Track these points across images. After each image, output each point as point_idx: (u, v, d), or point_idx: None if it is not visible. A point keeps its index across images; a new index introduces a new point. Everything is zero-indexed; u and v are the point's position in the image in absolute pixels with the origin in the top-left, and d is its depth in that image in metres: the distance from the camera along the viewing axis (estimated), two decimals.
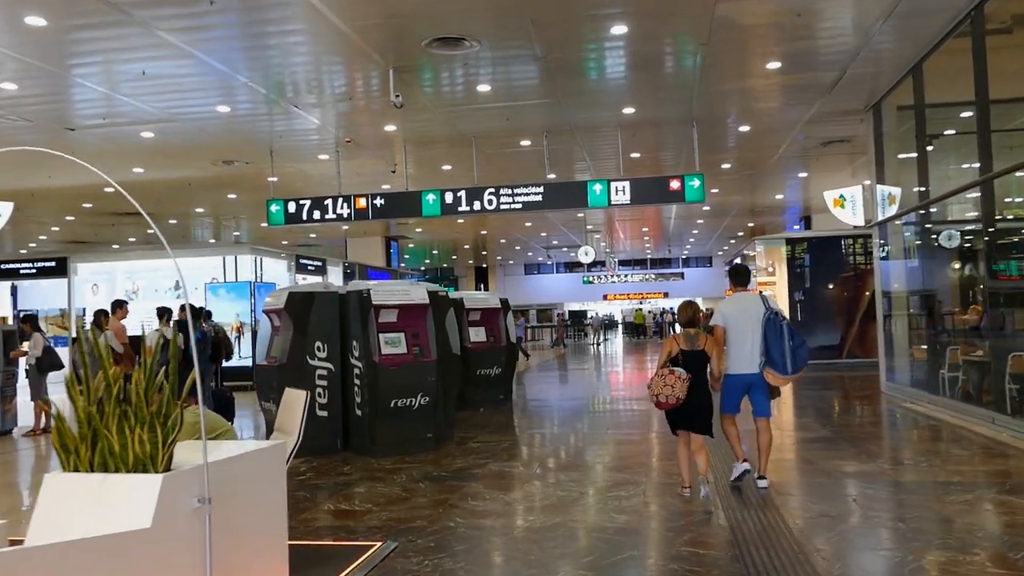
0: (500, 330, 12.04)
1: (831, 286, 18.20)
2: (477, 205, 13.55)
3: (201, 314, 10.10)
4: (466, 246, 35.43)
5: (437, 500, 6.04)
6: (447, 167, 16.09)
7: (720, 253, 43.16)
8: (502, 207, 13.49)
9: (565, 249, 36.09)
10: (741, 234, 32.38)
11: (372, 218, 14.00)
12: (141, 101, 10.80)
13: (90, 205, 18.99)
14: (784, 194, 21.64)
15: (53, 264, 17.93)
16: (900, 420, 9.69)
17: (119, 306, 9.61)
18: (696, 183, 12.89)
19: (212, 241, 26.90)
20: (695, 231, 31.51)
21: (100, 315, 9.08)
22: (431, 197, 13.71)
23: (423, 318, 8.23)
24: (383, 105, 11.28)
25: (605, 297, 48.29)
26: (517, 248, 36.99)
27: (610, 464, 7.35)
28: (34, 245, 26.30)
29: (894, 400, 11.35)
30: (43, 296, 19.34)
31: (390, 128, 12.94)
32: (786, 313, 17.98)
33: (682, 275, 46.55)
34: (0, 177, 15.23)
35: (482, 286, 46.55)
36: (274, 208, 14.32)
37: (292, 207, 14.23)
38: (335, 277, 21.36)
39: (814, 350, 17.77)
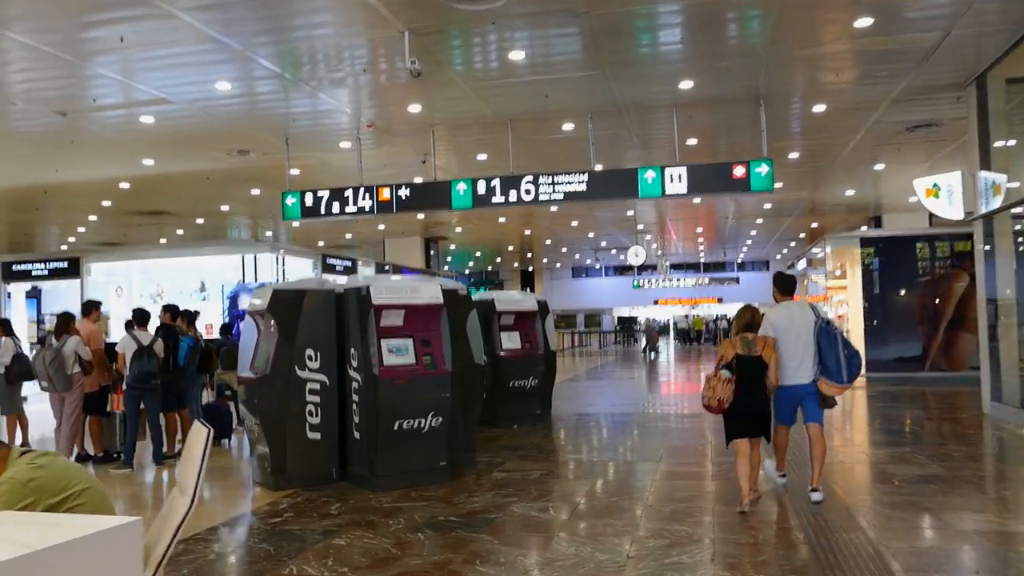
0: (537, 336, 10.55)
1: (912, 290, 16.26)
2: (513, 196, 12.08)
3: (188, 317, 8.80)
4: (510, 247, 34.01)
5: (435, 563, 4.56)
6: (482, 156, 14.66)
7: (779, 257, 40.97)
8: (541, 198, 11.99)
9: (614, 252, 34.42)
10: (803, 236, 30.31)
11: (397, 211, 12.64)
12: (134, 80, 9.59)
13: (109, 203, 18.04)
14: (856, 189, 19.70)
15: (65, 265, 16.95)
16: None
17: (92, 308, 8.38)
18: (764, 169, 11.23)
19: (237, 239, 25.75)
20: (753, 232, 29.56)
21: (64, 319, 7.85)
22: (461, 187, 12.29)
23: (435, 321, 6.78)
24: (405, 82, 9.91)
25: (656, 302, 46.35)
26: (564, 250, 35.43)
27: (666, 509, 5.78)
28: (65, 247, 25.58)
29: (1003, 425, 9.53)
30: (64, 299, 18.41)
31: (414, 109, 11.54)
32: (860, 321, 16.23)
33: (737, 280, 44.34)
34: (3, 171, 14.26)
35: (528, 289, 45.14)
36: (290, 201, 13.07)
37: (309, 199, 12.95)
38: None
39: (891, 362, 15.93)
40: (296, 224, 24.68)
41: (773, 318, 5.95)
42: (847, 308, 17.04)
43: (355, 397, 6.64)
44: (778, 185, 18.91)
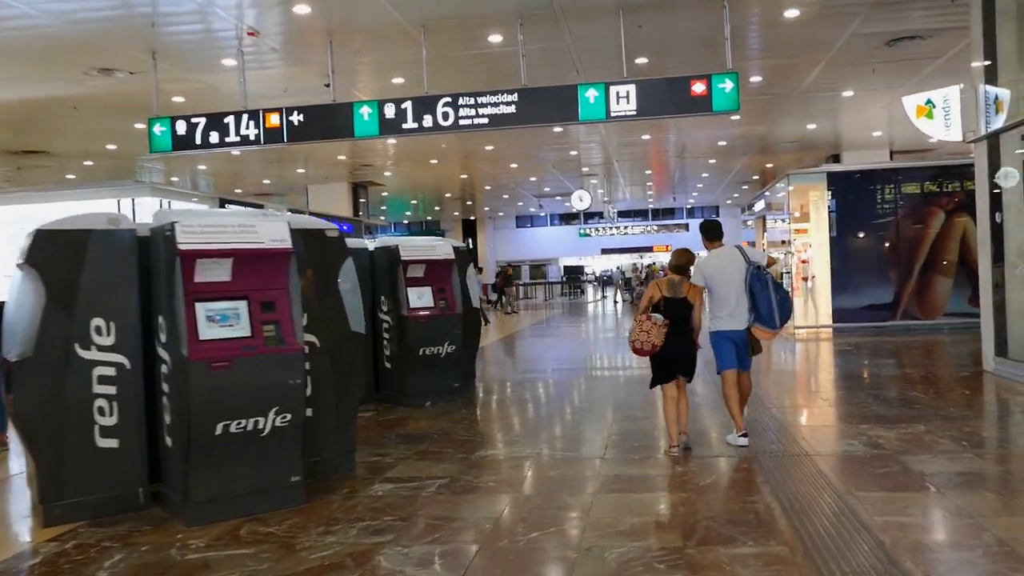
0: (454, 290, 8.53)
1: (882, 232, 14.65)
2: (428, 120, 9.95)
3: None
4: (448, 194, 31.72)
5: None
6: (398, 80, 12.42)
7: (729, 202, 39.43)
8: (462, 123, 9.89)
9: (559, 198, 32.32)
10: (756, 178, 28.67)
11: (288, 140, 10.41)
12: None
13: None
14: (818, 123, 17.96)
15: None
16: None
17: None
18: (728, 86, 9.30)
19: (112, 182, 22.83)
20: (705, 174, 27.81)
21: None
22: (366, 111, 10.11)
23: (281, 275, 4.70)
24: None
25: (603, 251, 44.64)
26: (506, 197, 33.27)
27: (611, 554, 3.88)
28: None
29: (1010, 385, 7.92)
30: None
31: (302, 10, 9.25)
32: (826, 266, 14.59)
33: (687, 226, 42.80)
34: None
35: (470, 240, 42.93)
36: (158, 129, 10.71)
37: (181, 127, 10.61)
38: None
39: (860, 310, 14.39)
40: (203, 167, 22.28)
41: (703, 266, 5.85)
42: (811, 252, 15.39)
43: (164, 387, 4.56)
44: (735, 117, 17.10)
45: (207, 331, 4.42)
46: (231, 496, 4.47)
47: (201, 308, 4.44)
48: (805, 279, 15.28)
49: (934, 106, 9.21)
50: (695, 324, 5.67)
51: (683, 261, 5.76)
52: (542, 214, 42.89)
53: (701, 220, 7.12)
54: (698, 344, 5.72)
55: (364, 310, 8.53)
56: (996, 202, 8.75)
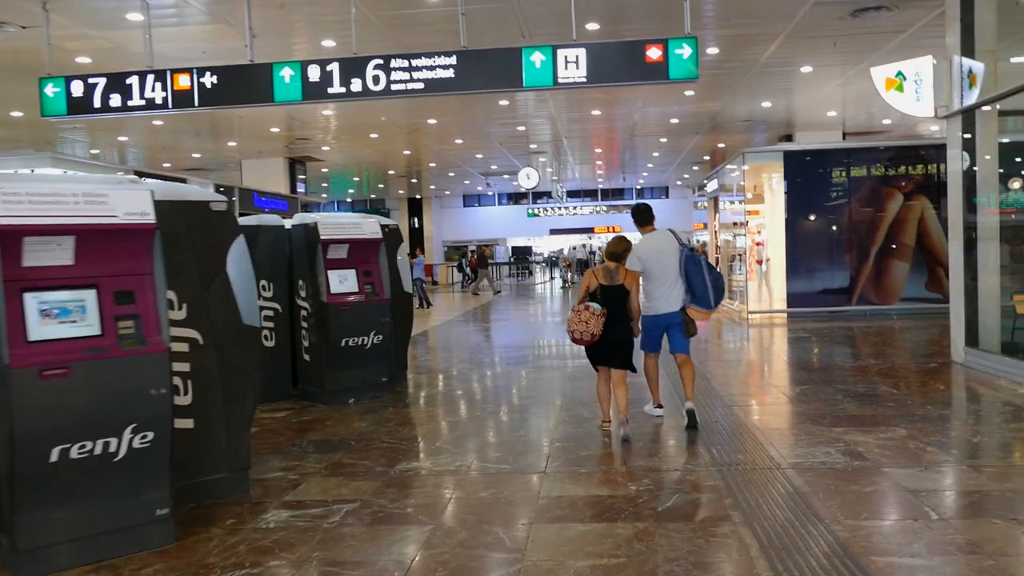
0: (382, 274, 7.61)
1: (838, 214, 14.13)
2: (357, 85, 8.95)
3: None
4: (392, 172, 30.53)
5: None
6: (328, 43, 11.36)
7: (679, 183, 39.00)
8: (394, 87, 8.91)
9: (506, 177, 31.36)
10: (707, 158, 28.16)
11: (200, 104, 9.28)
12: None
13: None
14: (773, 101, 17.37)
15: None
16: None
17: None
18: (686, 51, 8.51)
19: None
20: (655, 153, 27.17)
21: None
22: (287, 73, 9.06)
23: (141, 258, 3.75)
24: None
25: (552, 231, 43.88)
26: (451, 175, 32.19)
27: None
28: None
29: (988, 379, 7.35)
30: None
31: None
32: (781, 250, 14.02)
33: None
34: None
35: (416, 219, 41.78)
36: (50, 90, 9.49)
37: (77, 88, 9.41)
38: None
39: (815, 295, 13.88)
40: (124, 138, 20.76)
41: (639, 251, 5.86)
42: (765, 235, 14.83)
43: None
44: (689, 93, 16.41)
45: (40, 329, 3.45)
46: (75, 538, 3.53)
47: (32, 300, 3.46)
48: (760, 262, 14.72)
49: (904, 78, 8.56)
50: (632, 310, 5.69)
51: (620, 249, 5.73)
52: (490, 193, 41.90)
53: (634, 204, 6.98)
54: (637, 331, 5.79)
55: (281, 295, 7.67)
56: (970, 183, 8.16)
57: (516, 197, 43.37)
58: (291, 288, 7.61)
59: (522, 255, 43.55)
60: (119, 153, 23.44)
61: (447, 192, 41.11)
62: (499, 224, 43.31)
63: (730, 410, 6.42)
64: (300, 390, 7.60)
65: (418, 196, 40.85)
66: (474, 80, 8.89)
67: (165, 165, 25.03)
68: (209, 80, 9.22)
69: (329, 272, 7.25)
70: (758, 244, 14.72)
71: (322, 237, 7.20)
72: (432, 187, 37.60)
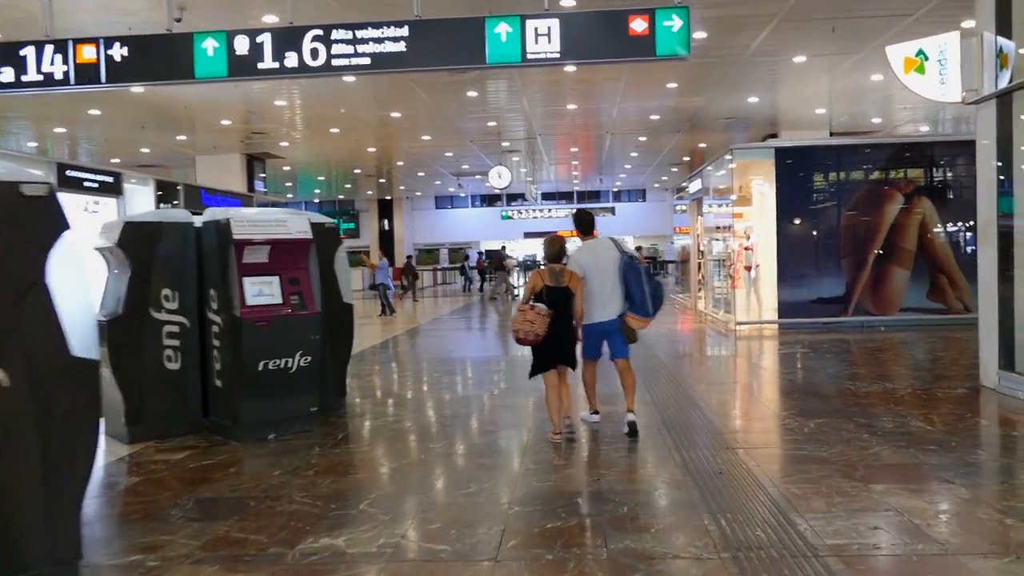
0: (312, 282, 6.27)
1: (834, 215, 13.01)
2: (292, 59, 7.66)
3: None
4: (358, 170, 29.12)
5: None
6: (270, 18, 10.02)
7: (656, 185, 38.00)
8: (335, 63, 7.64)
9: (479, 178, 30.00)
10: (687, 159, 27.09)
11: (108, 81, 7.93)
12: None
13: None
14: (760, 95, 16.26)
15: None
16: None
17: None
18: (676, 23, 7.32)
19: None
20: (634, 153, 26.03)
21: None
22: (210, 45, 7.76)
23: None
24: None
25: (526, 235, 42.64)
26: (421, 174, 30.83)
27: None
28: None
29: None
30: None
31: None
32: (772, 255, 12.85)
33: (613, 210, 41.26)
34: None
35: (386, 221, 40.35)
36: None
37: None
38: (141, 202, 15.04)
39: (808, 304, 12.75)
40: (61, 129, 19.17)
41: (579, 258, 5.92)
42: (754, 239, 13.66)
43: None
44: (672, 86, 15.24)
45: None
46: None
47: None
48: (748, 268, 13.56)
49: (927, 58, 7.40)
50: (576, 312, 5.71)
51: (555, 249, 5.76)
52: (462, 195, 40.60)
53: (576, 210, 6.79)
54: (577, 337, 5.83)
55: (189, 307, 6.32)
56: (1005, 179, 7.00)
57: (490, 199, 42.09)
58: (201, 299, 6.27)
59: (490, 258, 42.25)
60: (70, 148, 21.94)
61: (418, 193, 39.75)
62: (472, 227, 41.95)
63: (735, 455, 5.18)
64: (211, 421, 6.25)
65: (388, 197, 39.44)
66: (429, 55, 7.62)
67: (114, 161, 23.52)
68: (119, 52, 7.88)
69: (245, 280, 5.89)
70: (746, 249, 13.55)
71: (235, 237, 5.84)
72: (402, 188, 36.23)
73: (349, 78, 13.45)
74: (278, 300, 6.06)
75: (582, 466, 5.21)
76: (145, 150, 21.49)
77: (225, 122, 17.40)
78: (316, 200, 41.08)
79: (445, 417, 6.92)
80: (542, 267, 5.86)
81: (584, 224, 6.21)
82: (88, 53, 7.87)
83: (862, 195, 12.94)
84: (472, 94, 15.31)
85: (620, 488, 4.53)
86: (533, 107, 17.11)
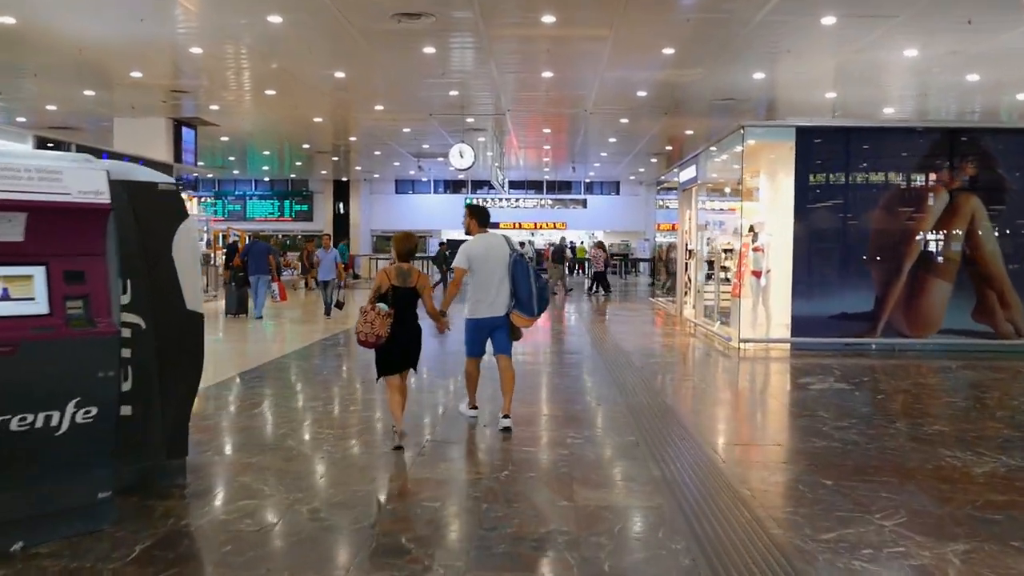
0: (109, 280, 3.68)
1: (863, 214, 10.69)
2: None
3: None
4: (306, 145, 26.27)
5: None
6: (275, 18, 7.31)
7: (632, 177, 35.61)
8: None
9: (441, 160, 27.19)
10: (669, 148, 24.75)
11: None
12: None
13: None
14: (766, 70, 13.90)
15: None
16: None
17: None
18: None
19: None
20: (612, 139, 23.60)
21: None
22: None
23: None
24: None
25: (495, 225, 40.07)
26: (378, 154, 28.07)
27: None
28: None
29: None
30: None
31: None
32: (788, 260, 10.24)
33: (584, 203, 38.89)
34: None
35: (341, 204, 37.50)
36: None
37: None
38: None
39: (829, 320, 10.44)
40: None
41: (469, 249, 5.90)
42: (764, 238, 11.27)
43: None
44: (667, 51, 12.82)
45: None
46: None
47: None
48: (757, 274, 11.17)
49: None
50: (428, 311, 5.60)
51: (407, 248, 5.63)
52: (424, 179, 37.88)
53: (472, 204, 6.90)
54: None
55: None
56: None
57: (455, 185, 39.41)
58: None
59: (455, 249, 39.64)
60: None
61: (376, 176, 36.91)
62: (434, 214, 39.09)
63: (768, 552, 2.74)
64: None
65: (345, 179, 36.57)
66: None
67: (20, 120, 20.51)
68: None
69: None
70: (756, 250, 11.16)
71: None
72: (359, 168, 33.39)
73: (274, 18, 10.83)
74: (41, 309, 3.49)
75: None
76: (51, 107, 18.52)
77: (135, 74, 14.58)
78: (266, 178, 38.14)
79: (330, 483, 4.37)
80: (389, 265, 5.62)
81: (480, 217, 6.15)
82: None
83: (897, 190, 10.65)
84: (429, 50, 12.72)
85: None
86: (503, 74, 14.57)
